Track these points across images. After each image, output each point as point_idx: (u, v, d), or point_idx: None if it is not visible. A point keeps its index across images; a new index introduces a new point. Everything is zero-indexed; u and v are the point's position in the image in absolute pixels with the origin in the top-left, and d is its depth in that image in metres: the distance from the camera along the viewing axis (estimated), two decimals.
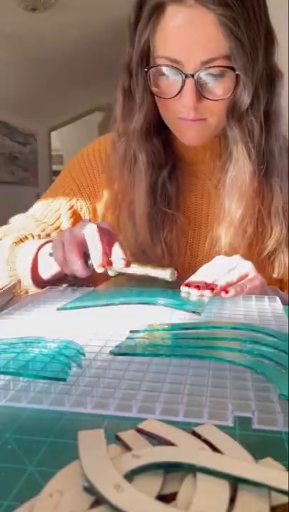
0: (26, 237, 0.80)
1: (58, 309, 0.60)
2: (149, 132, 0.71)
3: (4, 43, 3.28)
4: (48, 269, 0.72)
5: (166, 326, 0.51)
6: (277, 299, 0.68)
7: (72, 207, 0.85)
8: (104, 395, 0.36)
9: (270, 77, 0.65)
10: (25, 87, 3.98)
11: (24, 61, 3.63)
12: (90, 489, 0.22)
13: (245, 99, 0.63)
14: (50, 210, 0.86)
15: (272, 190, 0.72)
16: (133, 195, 0.75)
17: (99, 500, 0.22)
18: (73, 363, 0.40)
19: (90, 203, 0.85)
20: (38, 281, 0.74)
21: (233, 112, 0.64)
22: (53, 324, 0.54)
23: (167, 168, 0.75)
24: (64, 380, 0.37)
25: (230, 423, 0.32)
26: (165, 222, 0.76)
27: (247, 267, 0.66)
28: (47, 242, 0.74)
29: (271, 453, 0.26)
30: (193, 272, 0.70)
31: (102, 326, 0.53)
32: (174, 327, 0.51)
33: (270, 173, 0.71)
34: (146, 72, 0.65)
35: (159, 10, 0.60)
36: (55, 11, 2.99)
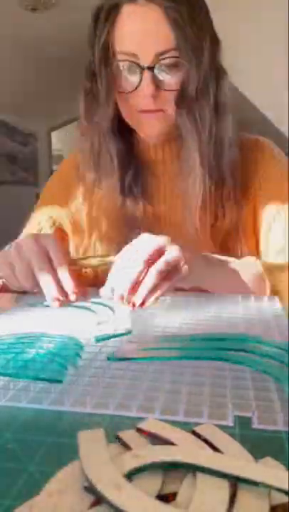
0: None
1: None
2: (114, 131, 0.75)
3: (4, 43, 3.28)
4: None
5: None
6: (276, 298, 0.68)
7: (51, 218, 0.88)
8: (104, 394, 0.36)
9: (216, 74, 0.71)
10: (25, 87, 3.98)
11: (24, 61, 3.63)
12: (90, 489, 0.22)
13: (191, 87, 0.68)
14: (32, 224, 0.88)
15: (224, 179, 0.75)
16: (103, 192, 0.78)
17: (99, 500, 0.22)
18: (70, 365, 0.40)
19: (69, 212, 0.87)
20: None
21: (182, 99, 0.69)
22: (53, 322, 0.54)
23: (131, 170, 0.78)
24: (61, 382, 0.37)
25: (230, 422, 0.32)
26: (136, 220, 0.78)
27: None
28: None
29: (271, 452, 0.26)
30: None
31: (102, 326, 0.53)
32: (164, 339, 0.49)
33: (221, 162, 0.74)
34: (107, 68, 0.70)
35: (115, 10, 0.67)
36: (55, 11, 2.99)
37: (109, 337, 0.48)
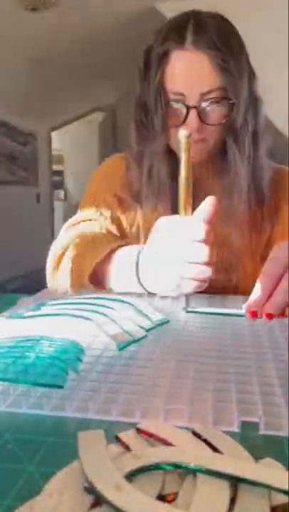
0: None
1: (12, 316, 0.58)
2: (165, 156, 0.82)
3: (4, 43, 3.28)
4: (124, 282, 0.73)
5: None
6: None
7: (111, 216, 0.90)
8: (106, 399, 0.35)
9: (254, 103, 0.79)
10: (26, 87, 3.98)
11: (24, 61, 3.63)
12: (90, 489, 0.22)
13: (239, 121, 0.76)
14: (98, 208, 0.90)
15: (263, 200, 0.83)
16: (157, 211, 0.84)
17: (99, 500, 0.22)
18: (71, 369, 0.40)
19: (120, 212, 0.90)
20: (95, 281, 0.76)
21: (230, 132, 0.77)
22: (54, 325, 0.54)
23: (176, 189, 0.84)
24: (61, 387, 0.37)
25: (235, 428, 0.32)
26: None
27: None
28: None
29: (271, 453, 0.26)
30: None
31: (102, 328, 0.53)
32: None
33: (262, 185, 0.82)
34: (162, 107, 0.77)
35: (165, 56, 0.75)
36: (55, 11, 2.99)
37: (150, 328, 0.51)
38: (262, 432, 0.32)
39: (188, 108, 0.74)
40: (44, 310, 0.59)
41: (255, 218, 0.84)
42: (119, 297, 0.63)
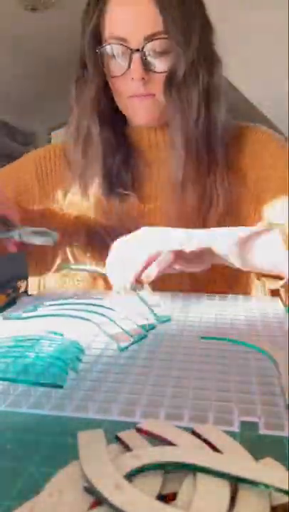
0: None
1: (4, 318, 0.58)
2: (100, 116, 0.75)
3: (4, 43, 3.28)
4: None
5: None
6: (278, 299, 0.68)
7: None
8: (106, 399, 0.35)
9: (209, 61, 0.72)
10: (26, 87, 3.98)
11: (24, 61, 3.63)
12: (90, 489, 0.22)
13: (180, 69, 0.69)
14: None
15: (216, 163, 0.75)
16: (90, 175, 0.77)
17: (99, 500, 0.22)
18: (71, 369, 0.40)
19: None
20: None
21: (170, 81, 0.70)
22: (53, 325, 0.54)
23: (120, 155, 0.77)
24: (61, 387, 0.37)
25: (236, 428, 0.32)
26: (121, 204, 0.77)
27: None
28: None
29: (271, 453, 0.26)
30: None
31: (102, 328, 0.53)
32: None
33: (212, 146, 0.74)
34: (96, 53, 0.72)
35: None
36: (55, 11, 2.99)
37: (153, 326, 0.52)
38: (262, 431, 0.32)
39: (130, 53, 0.68)
40: (41, 311, 0.59)
41: (209, 188, 0.75)
42: (118, 299, 0.63)
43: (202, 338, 0.50)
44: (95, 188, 0.77)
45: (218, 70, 0.74)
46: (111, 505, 0.21)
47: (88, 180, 0.77)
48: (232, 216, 0.76)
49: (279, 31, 2.28)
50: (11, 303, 0.65)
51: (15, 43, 3.31)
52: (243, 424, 0.32)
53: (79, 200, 0.79)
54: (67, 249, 0.80)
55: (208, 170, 0.74)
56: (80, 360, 0.42)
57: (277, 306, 0.64)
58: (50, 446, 0.30)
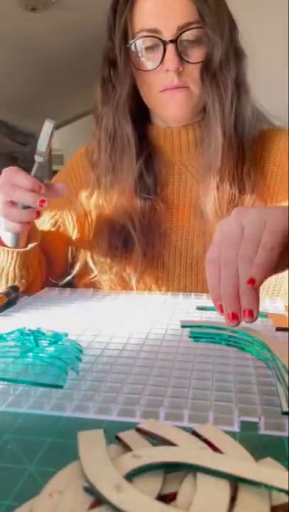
0: None
1: None
2: (131, 113, 0.74)
3: (4, 43, 3.28)
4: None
5: None
6: (279, 299, 0.68)
7: (54, 218, 0.85)
8: (106, 399, 0.35)
9: (236, 55, 0.72)
10: (26, 87, 3.97)
11: (24, 61, 3.63)
12: (90, 489, 0.22)
13: (216, 58, 0.69)
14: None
15: (244, 156, 0.73)
16: (115, 176, 0.76)
17: (99, 500, 0.22)
18: (71, 369, 0.40)
19: (74, 213, 0.84)
20: None
21: (207, 69, 0.69)
22: (53, 325, 0.54)
23: (143, 158, 0.76)
24: (61, 387, 0.37)
25: (236, 428, 0.32)
26: (145, 209, 0.76)
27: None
28: None
29: (271, 453, 0.26)
30: (174, 263, 0.73)
31: (102, 328, 0.53)
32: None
33: (243, 137, 0.73)
34: (127, 49, 0.71)
35: None
36: (55, 11, 2.99)
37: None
38: (262, 431, 0.32)
39: (164, 44, 0.67)
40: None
41: (237, 179, 0.73)
42: None
43: (183, 326, 0.52)
44: (125, 189, 0.76)
45: (245, 64, 0.74)
46: (111, 505, 0.21)
47: (118, 182, 0.76)
48: None
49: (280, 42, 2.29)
50: (11, 303, 0.65)
51: (15, 42, 3.31)
52: (243, 424, 0.32)
53: (103, 202, 0.78)
54: (88, 254, 0.80)
55: (237, 161, 0.73)
56: (80, 360, 0.42)
57: (277, 306, 0.64)
58: (50, 446, 0.30)
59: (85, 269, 0.81)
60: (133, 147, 0.74)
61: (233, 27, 0.73)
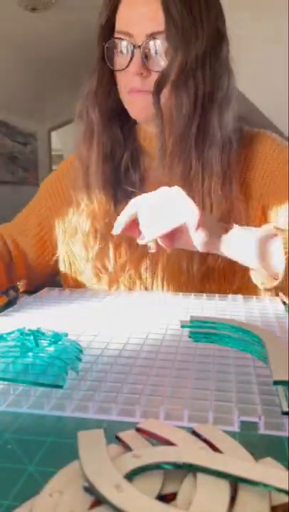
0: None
1: None
2: (103, 107, 0.77)
3: (4, 43, 3.28)
4: None
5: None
6: (278, 299, 0.68)
7: (40, 225, 0.86)
8: (106, 399, 0.35)
9: (215, 71, 0.72)
10: (26, 87, 3.98)
11: (24, 61, 3.63)
12: (90, 489, 0.22)
13: (172, 70, 0.69)
14: (19, 224, 0.88)
15: (211, 170, 0.74)
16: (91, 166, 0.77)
17: (99, 500, 0.22)
18: (70, 369, 0.40)
19: (60, 220, 0.85)
20: None
21: (160, 81, 0.70)
22: (53, 325, 0.54)
23: (127, 154, 0.79)
24: (61, 387, 0.37)
25: (236, 428, 0.32)
26: (122, 200, 0.76)
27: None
28: None
29: (271, 453, 0.26)
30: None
31: (102, 328, 0.53)
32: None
33: (207, 150, 0.74)
34: (103, 46, 0.74)
35: None
36: (55, 11, 2.99)
37: None
38: (262, 431, 0.32)
39: (133, 48, 0.70)
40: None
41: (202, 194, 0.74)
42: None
43: (183, 326, 0.52)
44: (100, 189, 0.77)
45: (230, 80, 0.74)
46: (111, 505, 0.21)
47: (93, 180, 0.77)
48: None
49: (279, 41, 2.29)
50: (12, 303, 0.65)
51: (15, 43, 3.31)
52: (243, 424, 0.32)
53: (88, 205, 0.78)
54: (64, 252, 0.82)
55: (201, 176, 0.74)
56: (80, 360, 0.42)
57: (277, 306, 0.64)
58: (50, 446, 0.30)
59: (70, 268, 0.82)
60: (102, 143, 0.76)
61: (214, 41, 0.72)
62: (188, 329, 0.51)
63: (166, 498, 0.23)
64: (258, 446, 0.30)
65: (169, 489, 0.23)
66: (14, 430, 0.32)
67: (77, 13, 3.11)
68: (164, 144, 0.73)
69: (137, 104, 0.74)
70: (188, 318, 0.57)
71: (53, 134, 5.18)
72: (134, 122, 0.80)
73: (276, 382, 0.35)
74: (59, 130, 5.32)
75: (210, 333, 0.50)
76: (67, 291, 0.73)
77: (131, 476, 0.23)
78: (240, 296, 0.69)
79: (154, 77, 0.71)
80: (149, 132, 0.80)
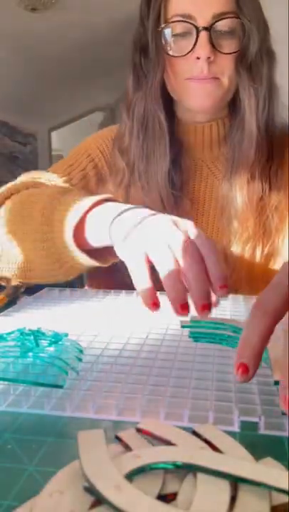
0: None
1: None
2: (163, 98, 0.72)
3: (4, 43, 3.28)
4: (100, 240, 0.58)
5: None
6: None
7: (96, 167, 0.80)
8: (106, 399, 0.35)
9: (268, 53, 0.71)
10: (26, 87, 3.98)
11: (24, 61, 3.63)
12: (90, 489, 0.22)
13: (252, 48, 0.67)
14: (73, 169, 0.80)
15: (273, 154, 0.73)
16: (148, 165, 0.74)
17: (99, 500, 0.22)
18: (71, 369, 0.40)
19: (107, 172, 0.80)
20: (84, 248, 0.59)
21: (242, 59, 0.68)
22: (53, 325, 0.54)
23: (172, 152, 0.74)
24: (61, 387, 0.37)
25: (236, 428, 0.32)
26: (172, 204, 0.74)
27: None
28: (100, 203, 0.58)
29: (271, 453, 0.26)
30: None
31: (102, 328, 0.53)
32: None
33: (273, 136, 0.72)
34: (159, 34, 0.68)
35: None
36: (55, 11, 2.99)
37: None
38: (262, 431, 0.32)
39: (197, 31, 0.65)
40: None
41: (264, 177, 0.73)
42: None
43: (183, 326, 0.52)
44: (158, 179, 0.73)
45: (275, 64, 0.72)
46: (111, 505, 0.21)
47: (150, 172, 0.74)
48: (279, 217, 0.74)
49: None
50: (11, 303, 0.65)
51: (15, 43, 3.31)
52: (243, 424, 0.32)
53: (135, 189, 0.75)
54: None
55: (267, 159, 0.72)
56: (80, 360, 0.42)
57: None
58: (50, 446, 0.30)
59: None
60: (166, 135, 0.72)
61: (266, 26, 0.71)
62: (189, 329, 0.51)
63: (166, 498, 0.23)
64: (258, 446, 0.30)
65: (169, 489, 0.23)
66: (14, 430, 0.32)
67: (77, 13, 3.11)
68: (246, 122, 0.70)
69: (201, 92, 0.69)
70: (188, 318, 0.57)
71: (53, 134, 5.18)
72: (174, 119, 0.76)
73: (276, 382, 0.35)
74: (59, 130, 5.33)
75: (210, 333, 0.50)
76: (67, 291, 0.73)
77: (131, 476, 0.23)
78: (240, 296, 0.69)
79: (219, 61, 0.67)
80: (189, 127, 0.76)
